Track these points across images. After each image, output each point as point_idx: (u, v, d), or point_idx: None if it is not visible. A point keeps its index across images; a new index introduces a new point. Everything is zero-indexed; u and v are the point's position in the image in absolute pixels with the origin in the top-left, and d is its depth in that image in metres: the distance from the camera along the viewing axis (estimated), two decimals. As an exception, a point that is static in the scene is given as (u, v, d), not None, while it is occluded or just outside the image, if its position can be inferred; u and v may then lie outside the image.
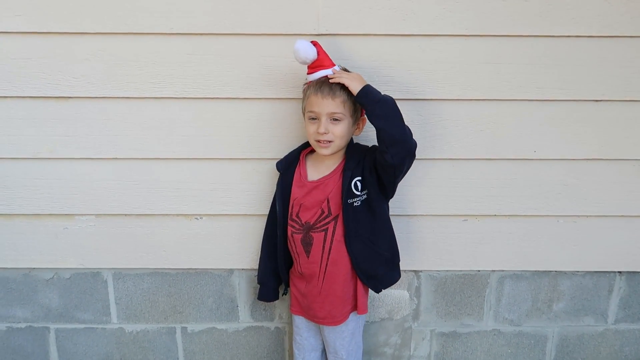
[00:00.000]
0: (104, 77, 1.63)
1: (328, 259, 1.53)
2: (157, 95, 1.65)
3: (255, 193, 1.74)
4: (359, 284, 1.59)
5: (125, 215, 1.77)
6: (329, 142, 1.48)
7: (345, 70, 1.50)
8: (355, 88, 1.39)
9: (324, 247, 1.53)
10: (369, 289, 1.65)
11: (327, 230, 1.52)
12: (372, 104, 1.39)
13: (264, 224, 1.69)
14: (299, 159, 1.62)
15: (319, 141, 1.48)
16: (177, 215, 1.77)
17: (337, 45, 1.61)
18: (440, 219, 1.78)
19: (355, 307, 1.61)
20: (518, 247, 1.81)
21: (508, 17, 1.59)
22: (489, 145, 1.71)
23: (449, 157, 1.72)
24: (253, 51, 1.62)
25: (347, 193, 1.49)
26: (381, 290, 1.64)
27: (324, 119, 1.45)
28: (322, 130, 1.45)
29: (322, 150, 1.50)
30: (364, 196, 1.51)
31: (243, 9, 1.58)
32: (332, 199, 1.52)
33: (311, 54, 1.46)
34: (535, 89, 1.65)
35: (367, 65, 1.61)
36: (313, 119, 1.48)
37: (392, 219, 1.62)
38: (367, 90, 1.40)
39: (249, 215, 1.76)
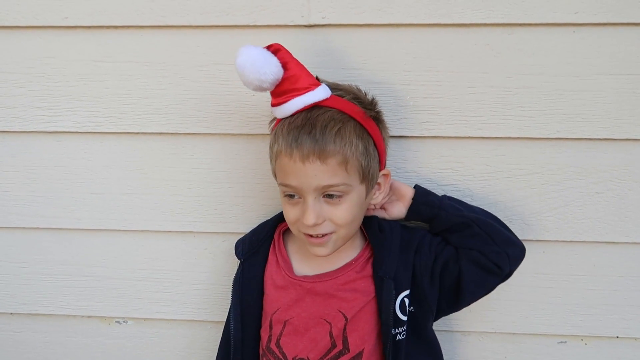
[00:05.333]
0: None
1: None
2: (49, 128, 1.01)
3: (208, 287, 1.07)
4: None
5: (11, 314, 1.13)
6: (326, 235, 0.80)
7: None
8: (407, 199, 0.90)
9: None
10: None
11: None
12: (450, 208, 0.88)
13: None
14: (272, 237, 0.94)
15: (309, 235, 0.81)
16: (89, 317, 1.11)
17: (342, 45, 0.92)
18: (518, 339, 1.05)
19: None
20: (654, 390, 1.06)
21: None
22: (614, 215, 0.97)
23: (537, 238, 0.99)
24: (200, 55, 0.96)
25: (393, 319, 0.83)
26: None
27: (310, 200, 0.78)
28: (310, 220, 0.77)
29: (316, 250, 0.83)
30: (408, 319, 0.86)
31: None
32: (354, 320, 0.84)
33: (270, 71, 0.75)
34: None
35: (391, 79, 0.92)
36: (291, 195, 0.81)
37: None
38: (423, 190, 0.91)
39: (199, 321, 1.09)
